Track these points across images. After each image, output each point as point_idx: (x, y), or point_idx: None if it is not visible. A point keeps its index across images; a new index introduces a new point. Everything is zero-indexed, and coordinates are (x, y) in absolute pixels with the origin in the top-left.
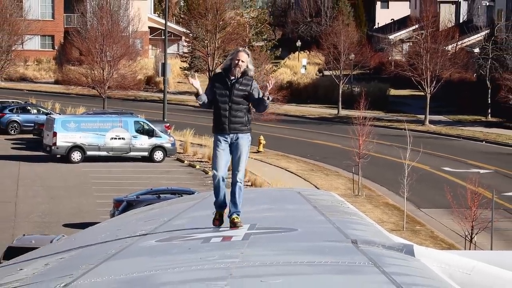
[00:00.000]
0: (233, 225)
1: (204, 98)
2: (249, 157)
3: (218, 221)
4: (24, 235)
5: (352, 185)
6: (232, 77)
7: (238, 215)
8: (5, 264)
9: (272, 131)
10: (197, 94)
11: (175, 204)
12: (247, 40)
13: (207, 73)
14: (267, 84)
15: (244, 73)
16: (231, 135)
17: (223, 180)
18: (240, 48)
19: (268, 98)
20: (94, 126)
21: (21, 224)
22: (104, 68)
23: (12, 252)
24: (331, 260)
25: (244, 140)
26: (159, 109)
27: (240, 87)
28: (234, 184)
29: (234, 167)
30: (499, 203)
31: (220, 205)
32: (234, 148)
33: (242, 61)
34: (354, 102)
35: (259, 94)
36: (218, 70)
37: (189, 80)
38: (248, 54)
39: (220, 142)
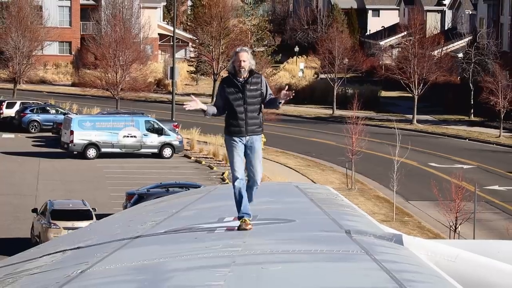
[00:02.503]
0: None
1: (211, 111)
2: None
3: (247, 223)
4: (50, 200)
5: (346, 180)
6: (241, 79)
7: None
8: (27, 252)
9: (272, 129)
10: (203, 111)
11: (182, 197)
12: (249, 46)
13: (212, 76)
14: (287, 93)
15: (251, 72)
16: (248, 137)
17: (244, 185)
18: (238, 49)
19: (280, 102)
20: (108, 125)
21: None
22: (117, 71)
23: (57, 214)
24: (327, 248)
25: (258, 141)
26: (168, 110)
27: (251, 87)
28: (251, 187)
29: (253, 170)
30: (481, 196)
31: (247, 212)
32: (250, 151)
33: (244, 61)
34: (348, 103)
35: (267, 91)
36: (224, 74)
37: (188, 106)
38: (247, 52)
39: (237, 144)
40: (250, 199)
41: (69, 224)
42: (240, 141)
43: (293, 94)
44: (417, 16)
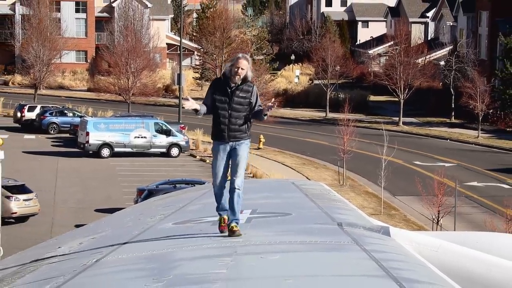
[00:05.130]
0: (232, 233)
1: (203, 110)
2: (250, 152)
3: (224, 226)
4: None
5: (338, 177)
6: (232, 84)
7: (237, 223)
8: (46, 242)
9: (270, 131)
10: (196, 110)
11: (188, 193)
12: (249, 55)
13: None
14: (271, 105)
15: (245, 80)
16: (231, 143)
17: (223, 187)
18: (240, 55)
19: (265, 115)
20: (120, 127)
21: (59, 209)
22: (129, 78)
23: (10, 189)
24: (320, 240)
25: (243, 147)
26: (175, 113)
27: (240, 94)
28: (232, 191)
29: (232, 173)
30: (461, 192)
31: (223, 209)
32: (232, 156)
33: (242, 69)
34: (340, 106)
35: (257, 102)
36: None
37: (185, 105)
38: (248, 61)
39: (219, 150)
40: (232, 204)
41: (24, 196)
42: (224, 148)
43: (276, 104)
44: (403, 27)
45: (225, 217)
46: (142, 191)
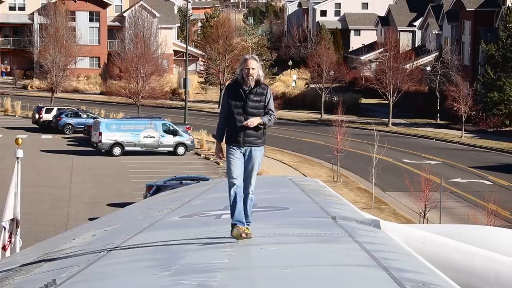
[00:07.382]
0: (245, 235)
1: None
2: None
3: (244, 233)
4: None
5: (332, 173)
6: (246, 88)
7: (248, 224)
8: (62, 234)
9: (269, 131)
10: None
11: (194, 189)
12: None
13: (219, 86)
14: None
15: (258, 82)
16: (246, 147)
17: (240, 192)
18: (247, 56)
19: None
20: (130, 127)
21: (74, 204)
22: (138, 82)
23: None
24: (316, 232)
25: (258, 153)
26: (181, 114)
27: (255, 98)
28: (246, 195)
29: (246, 179)
30: (446, 187)
31: (241, 220)
32: (247, 160)
33: (253, 68)
34: (333, 108)
35: (268, 105)
36: (230, 81)
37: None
38: (256, 60)
39: (235, 153)
40: (245, 208)
41: None
42: (238, 151)
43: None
44: (392, 35)
45: (240, 227)
46: (150, 187)
